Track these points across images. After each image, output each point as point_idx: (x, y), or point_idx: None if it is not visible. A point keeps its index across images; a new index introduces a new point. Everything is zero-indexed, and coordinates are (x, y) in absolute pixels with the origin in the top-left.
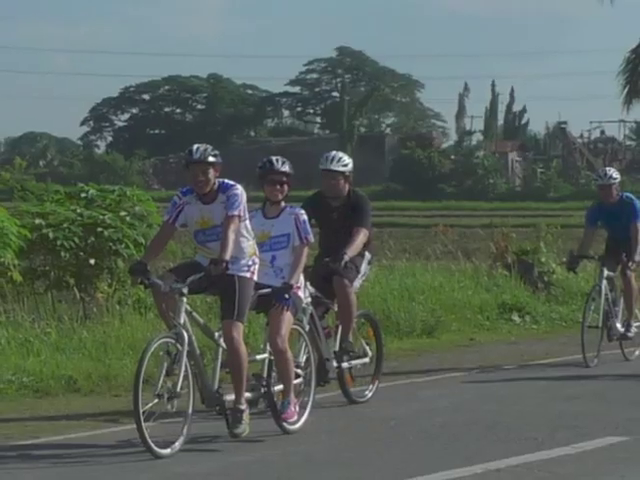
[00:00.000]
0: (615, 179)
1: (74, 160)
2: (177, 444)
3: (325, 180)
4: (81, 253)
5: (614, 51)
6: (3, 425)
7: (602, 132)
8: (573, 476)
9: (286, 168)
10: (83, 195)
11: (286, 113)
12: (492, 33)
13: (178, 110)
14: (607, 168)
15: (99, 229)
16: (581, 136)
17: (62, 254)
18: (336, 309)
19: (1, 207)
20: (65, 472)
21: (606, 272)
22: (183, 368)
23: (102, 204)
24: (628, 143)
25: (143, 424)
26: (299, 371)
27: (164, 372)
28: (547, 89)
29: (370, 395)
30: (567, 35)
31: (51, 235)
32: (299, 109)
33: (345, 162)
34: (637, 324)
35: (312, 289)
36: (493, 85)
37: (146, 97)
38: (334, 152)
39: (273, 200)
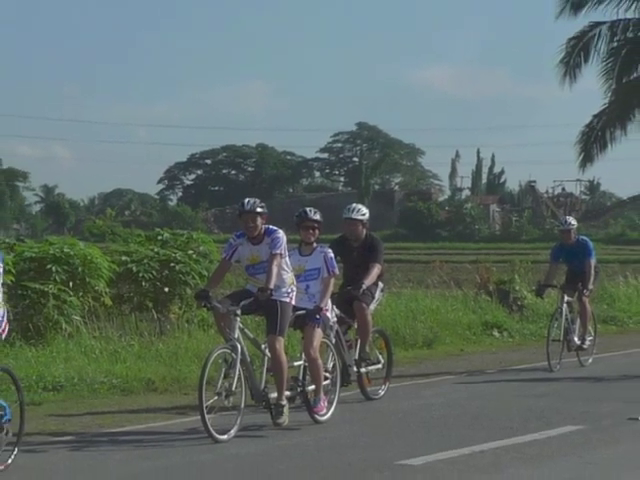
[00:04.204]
0: (573, 225)
1: (152, 210)
2: (232, 431)
3: (347, 226)
4: (158, 283)
5: (572, 125)
6: (97, 416)
7: (563, 189)
8: (540, 456)
9: (317, 217)
10: (159, 238)
11: (317, 174)
12: (477, 111)
13: (233, 172)
14: (567, 217)
15: (172, 264)
16: (547, 192)
17: (143, 284)
18: (356, 326)
19: (96, 247)
20: (145, 453)
21: (566, 297)
22: (237, 372)
23: (174, 245)
24: (583, 197)
25: (206, 416)
26: (327, 374)
27: (222, 375)
28: (520, 155)
29: (382, 393)
30: (536, 113)
31: (134, 269)
32: (327, 171)
33: (363, 212)
34: (590, 338)
35: (337, 311)
36: (478, 152)
37: (208, 162)
38: (354, 204)
39: (307, 242)
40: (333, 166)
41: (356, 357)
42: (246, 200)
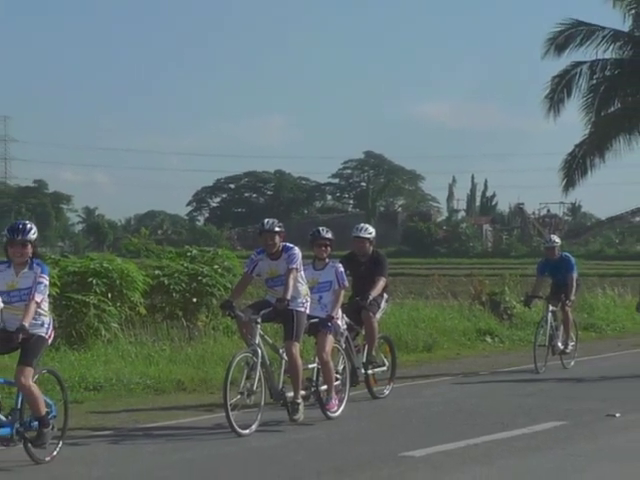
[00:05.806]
0: (557, 243)
1: (182, 230)
2: (253, 426)
3: (356, 243)
4: (187, 294)
5: (556, 154)
6: (133, 413)
7: (548, 210)
8: (528, 449)
9: (329, 235)
10: (188, 254)
11: (329, 197)
12: (472, 141)
13: (254, 195)
14: (551, 235)
15: (199, 277)
16: (533, 213)
17: (174, 295)
18: (364, 333)
19: (132, 262)
20: (175, 445)
21: (551, 307)
22: (258, 374)
23: (201, 260)
24: (566, 218)
25: (230, 413)
26: (338, 376)
27: (245, 376)
28: (510, 180)
29: (387, 392)
30: (524, 142)
31: (166, 281)
32: (338, 194)
33: (370, 231)
34: (572, 343)
35: (347, 319)
36: (472, 178)
37: (232, 186)
38: (362, 224)
39: (320, 257)
40: (343, 190)
41: (364, 360)
42: (266, 220)
